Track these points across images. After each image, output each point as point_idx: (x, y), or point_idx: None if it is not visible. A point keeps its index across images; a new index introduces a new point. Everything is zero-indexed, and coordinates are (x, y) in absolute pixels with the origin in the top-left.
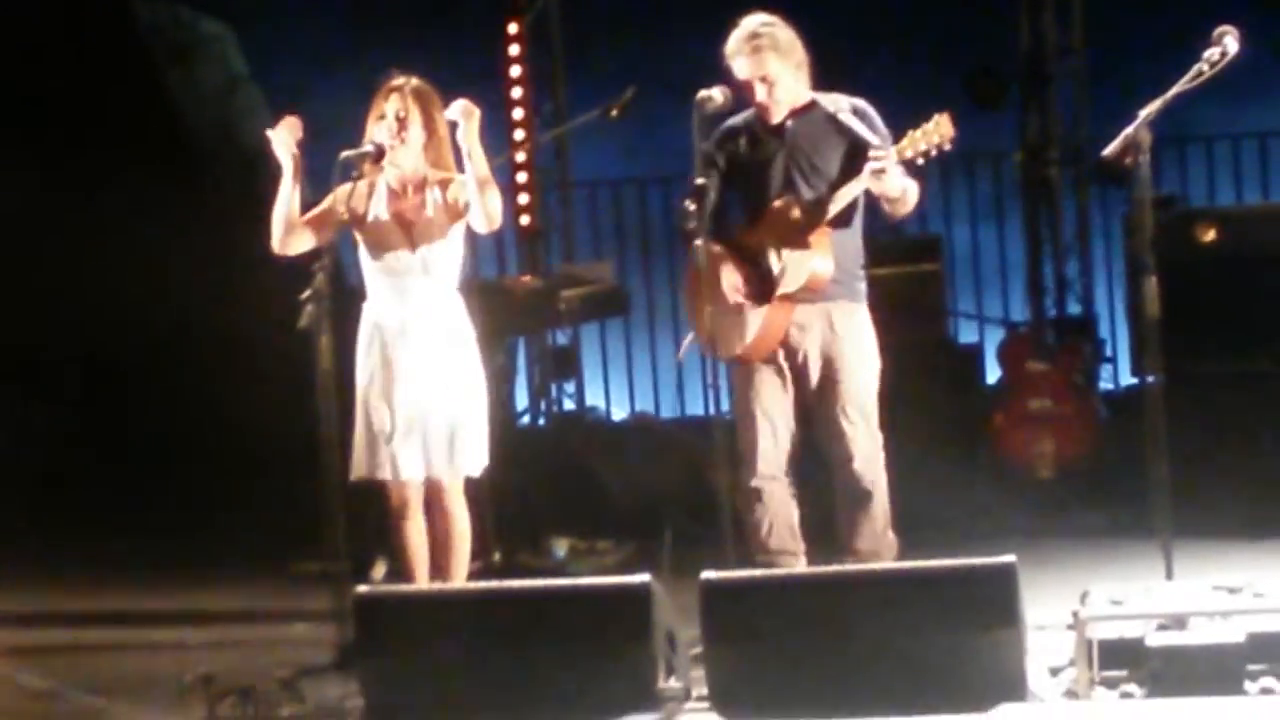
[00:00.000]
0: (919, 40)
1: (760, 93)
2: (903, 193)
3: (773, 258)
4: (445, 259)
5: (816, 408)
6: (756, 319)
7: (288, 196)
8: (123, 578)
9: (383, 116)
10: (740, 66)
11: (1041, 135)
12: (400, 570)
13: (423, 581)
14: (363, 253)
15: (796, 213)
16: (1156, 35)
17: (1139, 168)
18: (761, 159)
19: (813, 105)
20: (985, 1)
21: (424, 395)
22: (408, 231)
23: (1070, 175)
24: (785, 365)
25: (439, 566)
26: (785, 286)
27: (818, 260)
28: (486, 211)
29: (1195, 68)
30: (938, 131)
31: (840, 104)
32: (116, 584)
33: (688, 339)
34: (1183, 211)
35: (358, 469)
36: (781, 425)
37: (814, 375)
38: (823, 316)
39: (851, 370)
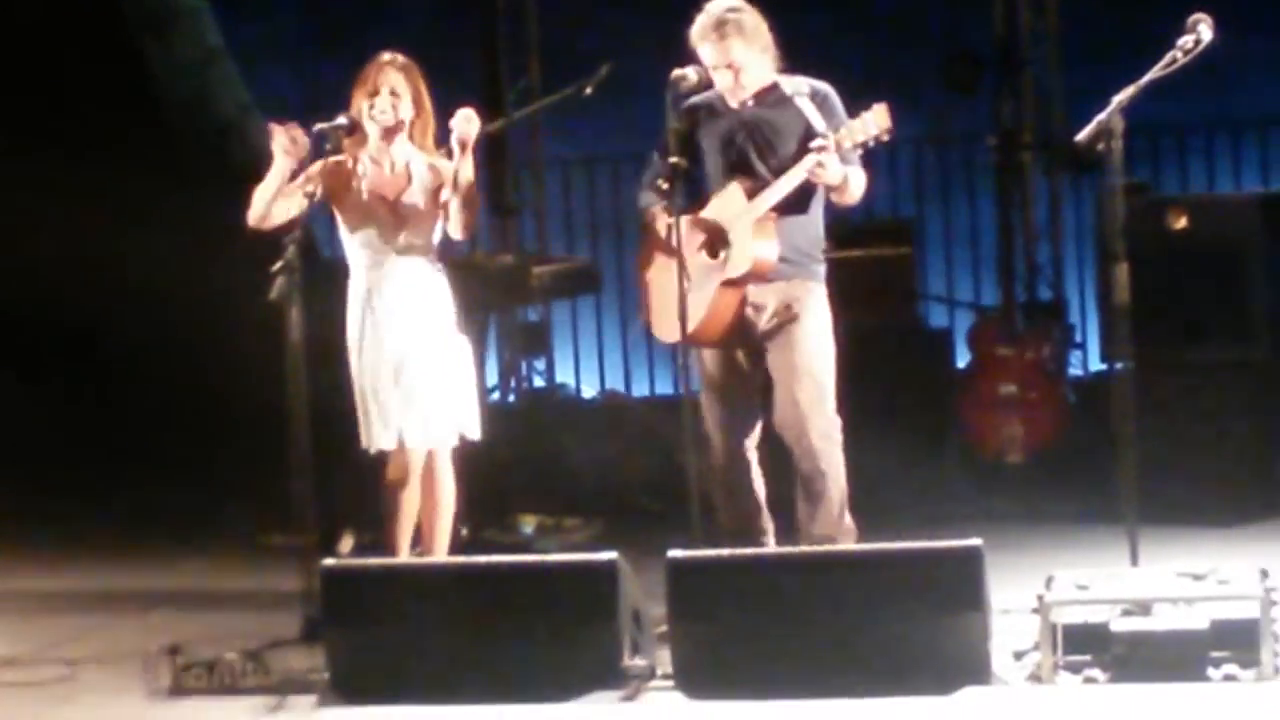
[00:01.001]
0: (893, 25)
1: (726, 79)
2: (844, 181)
3: (720, 241)
4: (428, 236)
5: (773, 388)
6: (702, 302)
7: (273, 185)
8: (89, 548)
9: (374, 93)
10: (706, 53)
11: (1015, 121)
12: (383, 539)
13: (404, 552)
14: (345, 228)
15: (742, 197)
16: (1131, 21)
17: (1111, 154)
18: (721, 140)
19: (774, 88)
20: None
21: (415, 365)
22: (392, 209)
23: (1043, 161)
24: (745, 345)
25: (423, 535)
26: (729, 272)
27: (761, 245)
28: (464, 222)
29: (1169, 55)
30: (875, 122)
31: (800, 87)
32: (83, 554)
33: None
34: (1154, 199)
35: (365, 440)
36: (744, 406)
37: (770, 355)
38: (778, 296)
39: (807, 351)
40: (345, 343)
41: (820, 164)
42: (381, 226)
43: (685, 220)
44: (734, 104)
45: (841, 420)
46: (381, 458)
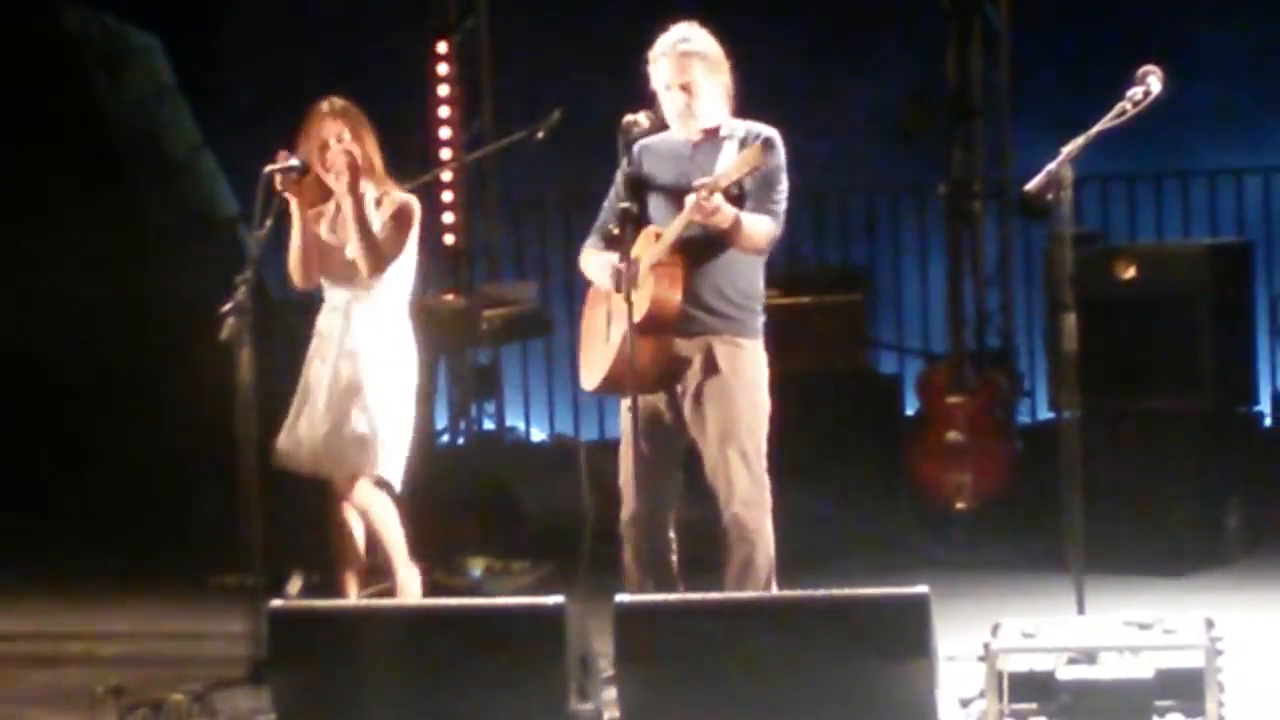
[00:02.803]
0: (846, 73)
1: (679, 101)
2: (734, 224)
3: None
4: (390, 274)
5: (700, 446)
6: (610, 351)
7: (298, 239)
8: (34, 587)
9: (323, 146)
10: (663, 69)
11: (965, 169)
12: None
13: (350, 586)
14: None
15: (652, 243)
16: (1082, 72)
17: (1060, 204)
18: (660, 183)
19: (717, 131)
20: (912, 35)
21: (344, 396)
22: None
23: (993, 209)
24: (669, 400)
25: (376, 564)
26: (633, 316)
27: (660, 289)
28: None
29: (1119, 106)
30: (747, 160)
31: (737, 130)
32: (28, 594)
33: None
34: (1103, 248)
35: (277, 457)
36: (661, 463)
37: (694, 412)
38: (703, 350)
39: (734, 409)
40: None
41: (699, 206)
42: (337, 264)
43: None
44: (682, 136)
45: (791, 465)
46: (328, 498)
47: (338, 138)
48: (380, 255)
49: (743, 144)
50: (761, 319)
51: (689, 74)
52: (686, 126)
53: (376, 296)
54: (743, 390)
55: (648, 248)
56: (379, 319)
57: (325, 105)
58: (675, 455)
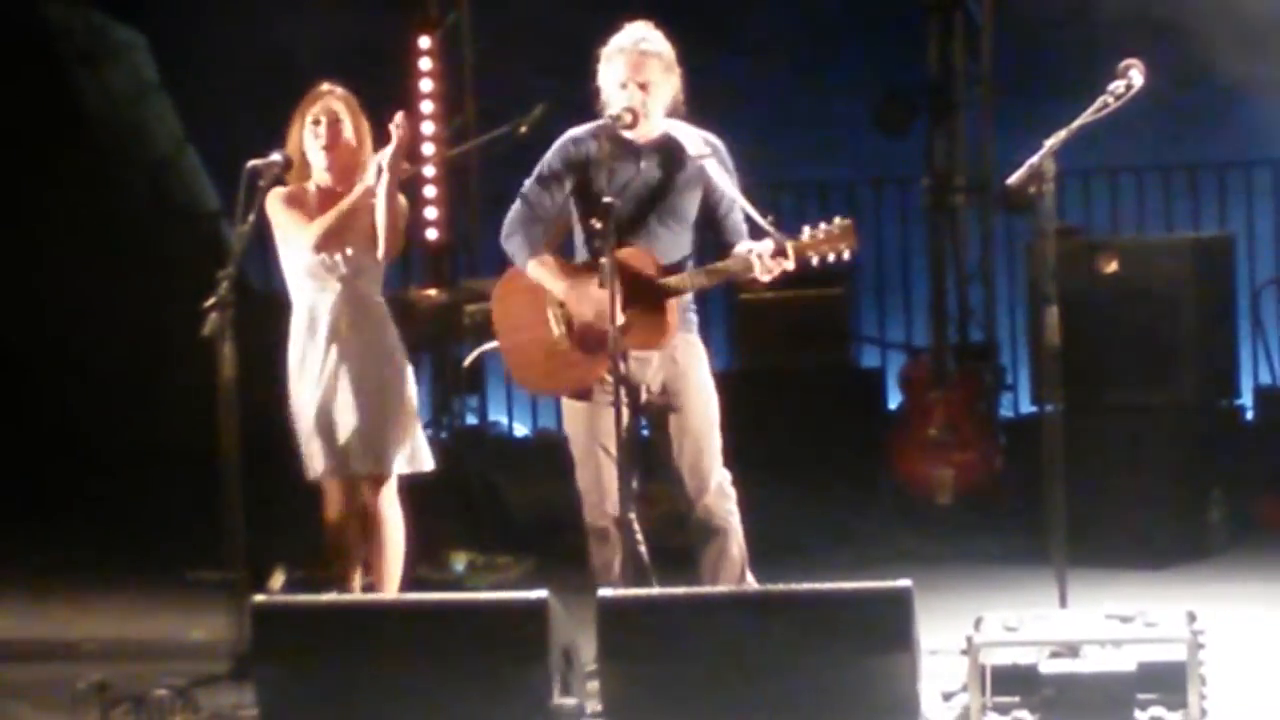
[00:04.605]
0: (827, 67)
1: (634, 98)
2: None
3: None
4: (372, 264)
5: (661, 444)
6: (580, 359)
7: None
8: (16, 584)
9: (316, 121)
10: (618, 66)
11: (947, 163)
12: (320, 575)
13: (354, 584)
14: (289, 257)
15: (652, 271)
16: (1064, 65)
17: (1043, 197)
18: (619, 186)
19: (668, 139)
20: (894, 29)
21: (356, 395)
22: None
23: (976, 203)
24: (626, 399)
25: (373, 572)
26: (629, 343)
27: (669, 323)
28: (388, 243)
29: (1100, 99)
30: (842, 240)
31: (698, 144)
32: (11, 589)
33: (487, 346)
34: (1085, 242)
35: (308, 470)
36: (623, 462)
37: (659, 408)
38: (669, 349)
39: (697, 404)
40: (285, 372)
41: (770, 271)
42: (326, 255)
43: (575, 266)
44: (630, 137)
45: (773, 459)
46: (320, 492)
47: (334, 117)
48: (400, 238)
49: (716, 157)
50: (696, 317)
51: (646, 73)
52: (638, 129)
53: (369, 288)
54: (704, 385)
55: (646, 267)
56: (374, 310)
57: (326, 85)
58: (636, 453)
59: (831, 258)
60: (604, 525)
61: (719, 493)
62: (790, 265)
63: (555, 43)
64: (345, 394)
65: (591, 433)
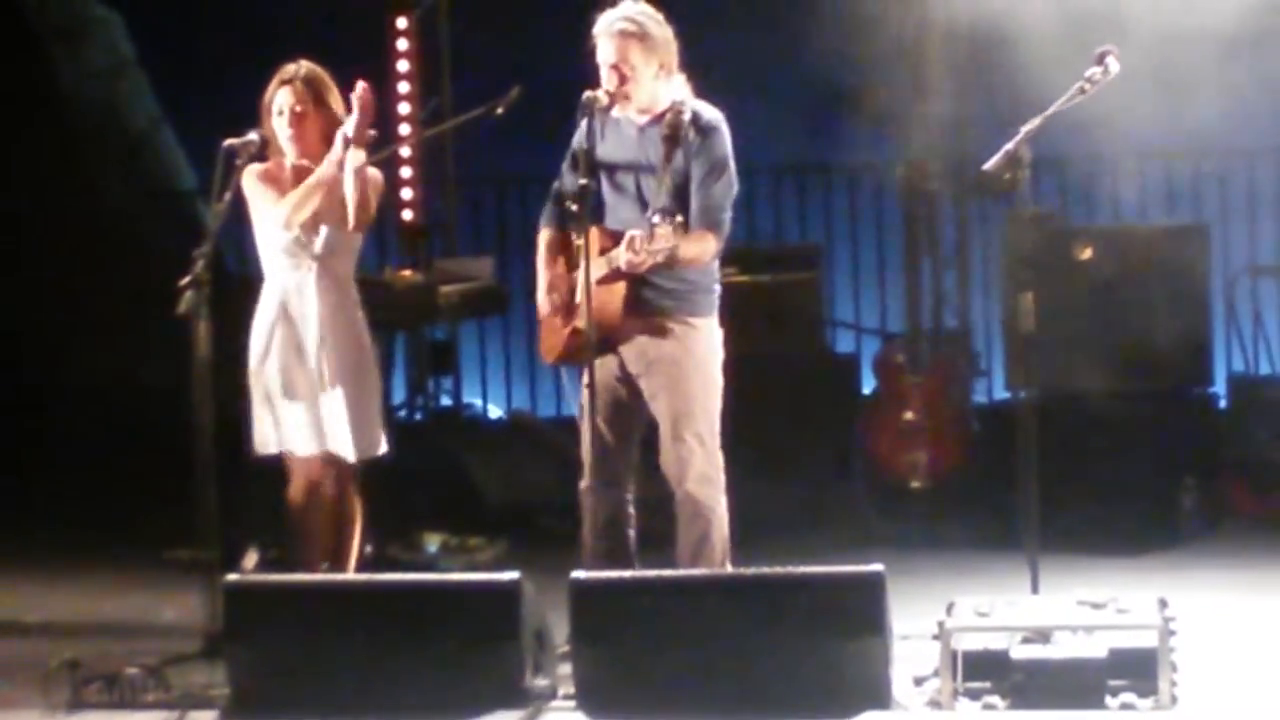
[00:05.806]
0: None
1: (611, 81)
2: (669, 259)
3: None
4: (345, 243)
5: (656, 423)
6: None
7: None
8: None
9: (279, 113)
10: (602, 47)
11: (923, 148)
12: (289, 556)
13: (317, 564)
14: (264, 234)
15: (598, 246)
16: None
17: (1018, 184)
18: (612, 161)
19: (664, 115)
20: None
21: (325, 375)
22: (311, 217)
23: (951, 189)
24: (624, 377)
25: (333, 552)
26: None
27: (615, 305)
28: (356, 212)
29: (1076, 86)
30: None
31: (683, 116)
32: None
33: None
34: (1060, 229)
35: (258, 445)
36: (617, 439)
37: (648, 390)
38: (658, 330)
39: (687, 388)
40: (248, 346)
41: (631, 264)
42: (301, 232)
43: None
44: (620, 114)
45: (747, 443)
46: (284, 476)
47: (292, 109)
48: (369, 210)
49: (700, 131)
50: (715, 296)
51: (623, 55)
52: (624, 107)
53: (344, 267)
54: (696, 370)
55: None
56: (350, 292)
57: (288, 71)
58: (631, 431)
59: (694, 173)
60: (584, 491)
61: (701, 479)
62: (625, 260)
63: (533, 24)
64: (332, 377)
65: (587, 398)
